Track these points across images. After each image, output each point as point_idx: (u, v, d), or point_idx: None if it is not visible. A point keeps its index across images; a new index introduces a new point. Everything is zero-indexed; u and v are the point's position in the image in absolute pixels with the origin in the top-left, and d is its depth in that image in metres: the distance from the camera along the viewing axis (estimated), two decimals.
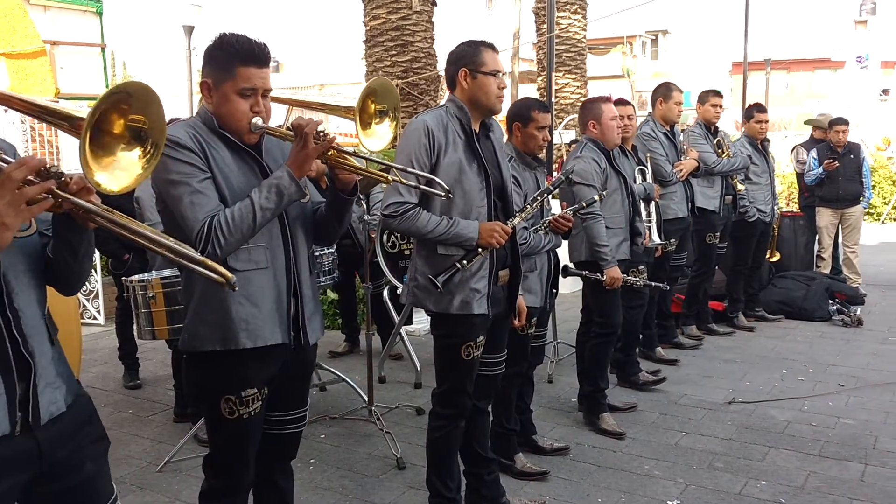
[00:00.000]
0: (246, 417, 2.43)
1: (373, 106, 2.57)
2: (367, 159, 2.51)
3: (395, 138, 2.69)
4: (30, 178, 1.54)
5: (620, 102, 5.16)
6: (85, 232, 1.80)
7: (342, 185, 2.48)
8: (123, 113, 1.71)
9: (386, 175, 2.54)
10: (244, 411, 2.42)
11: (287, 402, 2.62)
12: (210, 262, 1.70)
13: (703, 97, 6.40)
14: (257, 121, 2.37)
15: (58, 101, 1.87)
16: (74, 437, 1.86)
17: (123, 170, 1.72)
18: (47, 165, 1.58)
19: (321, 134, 2.32)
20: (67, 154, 9.10)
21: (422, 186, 2.75)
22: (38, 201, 1.56)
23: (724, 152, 6.26)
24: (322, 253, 4.51)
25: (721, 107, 6.38)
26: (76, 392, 1.90)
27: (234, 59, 2.34)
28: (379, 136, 2.61)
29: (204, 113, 2.44)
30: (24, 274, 1.77)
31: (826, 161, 7.86)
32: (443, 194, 2.69)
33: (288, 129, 2.43)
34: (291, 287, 2.46)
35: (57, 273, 1.85)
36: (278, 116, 2.70)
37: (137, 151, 1.75)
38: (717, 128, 6.40)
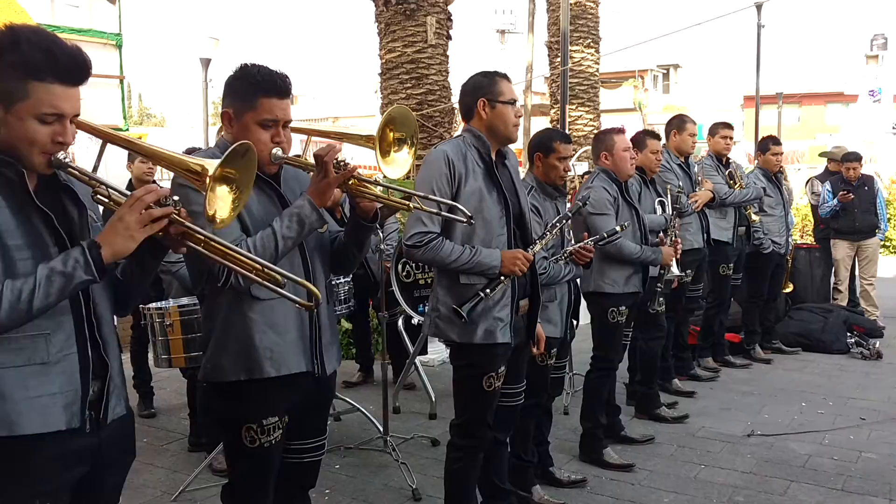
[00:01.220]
0: (267, 446, 2.43)
1: (391, 134, 2.58)
2: (388, 187, 2.52)
3: (413, 165, 2.69)
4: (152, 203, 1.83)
5: (653, 136, 5.18)
6: (159, 257, 2.02)
7: (363, 213, 2.49)
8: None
9: (407, 203, 2.55)
10: (265, 440, 2.42)
11: (306, 430, 2.61)
12: (299, 280, 2.02)
13: (714, 129, 6.41)
14: (277, 151, 2.39)
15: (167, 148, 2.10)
16: (119, 445, 2.02)
17: (221, 199, 1.97)
18: (168, 195, 1.85)
19: (342, 164, 2.34)
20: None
21: (444, 213, 2.75)
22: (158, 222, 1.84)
23: (736, 183, 6.25)
24: (338, 282, 4.52)
25: (731, 139, 6.39)
26: (127, 403, 2.07)
27: (256, 90, 2.36)
28: (398, 164, 2.61)
29: (223, 144, 2.45)
30: (103, 288, 1.97)
31: (841, 193, 7.83)
32: (464, 220, 2.68)
33: (306, 160, 2.45)
34: (312, 316, 2.47)
35: (120, 291, 2.05)
36: (296, 147, 2.72)
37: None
38: (728, 159, 6.41)
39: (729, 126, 6.47)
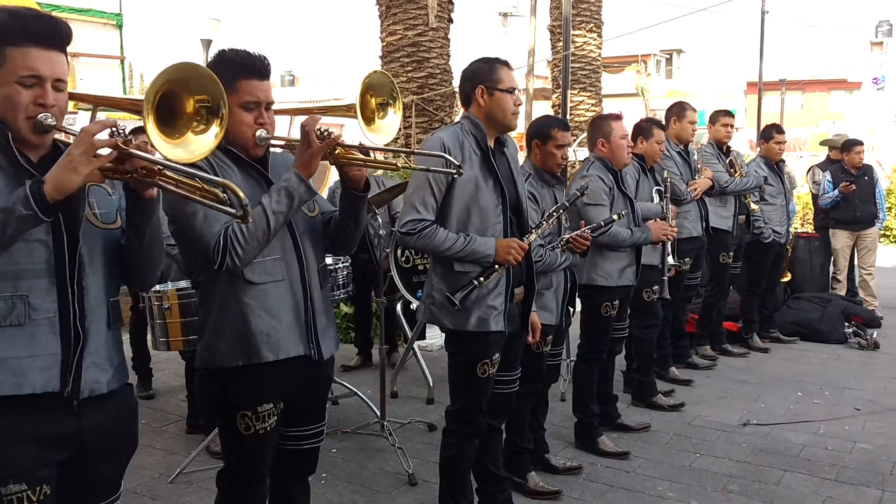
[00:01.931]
0: (262, 433, 2.42)
1: (373, 100, 2.54)
2: (373, 149, 2.46)
3: (400, 128, 2.65)
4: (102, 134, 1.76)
5: (659, 126, 5.13)
6: (151, 215, 1.97)
7: (353, 183, 2.46)
8: (189, 93, 1.93)
9: (394, 162, 2.50)
10: (260, 426, 2.41)
11: (305, 417, 2.60)
12: (233, 187, 1.87)
13: (714, 117, 6.39)
14: (262, 133, 2.37)
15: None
16: (112, 433, 2.00)
17: (187, 148, 1.92)
18: (117, 126, 1.79)
19: (325, 132, 2.30)
20: None
21: (432, 168, 2.75)
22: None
23: (736, 172, 6.24)
24: (336, 266, 4.52)
25: (732, 126, 6.37)
26: (123, 384, 2.05)
27: (235, 73, 2.34)
28: (384, 131, 2.58)
29: None
30: (100, 259, 1.97)
31: (843, 184, 7.81)
32: (453, 171, 2.68)
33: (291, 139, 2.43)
34: (306, 300, 2.45)
35: (129, 263, 2.04)
36: (281, 129, 2.69)
37: (214, 129, 1.97)
38: (729, 147, 6.39)
39: (730, 114, 6.45)
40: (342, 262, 4.60)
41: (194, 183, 1.88)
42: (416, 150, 2.74)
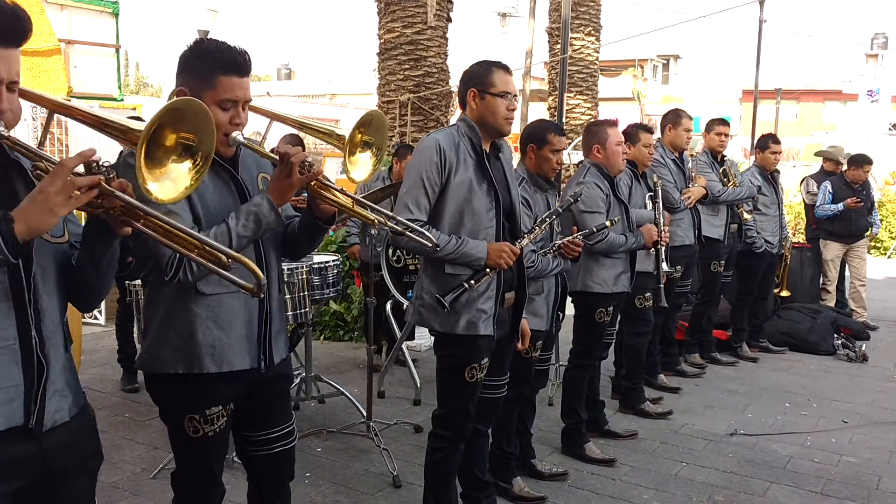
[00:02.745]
0: (211, 435, 2.34)
1: (359, 136, 2.49)
2: (353, 199, 2.38)
3: (374, 172, 2.59)
4: (79, 169, 1.60)
5: (646, 130, 5.11)
6: (111, 242, 1.81)
7: (320, 214, 2.39)
8: (176, 129, 1.75)
9: (368, 215, 2.41)
10: (209, 429, 2.33)
11: (268, 419, 2.50)
12: (247, 262, 1.76)
13: (710, 125, 6.36)
14: (237, 135, 2.26)
15: (113, 113, 1.87)
16: (74, 451, 1.85)
17: (173, 181, 1.76)
18: (99, 161, 1.62)
19: (307, 164, 2.22)
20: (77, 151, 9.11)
21: (407, 233, 2.64)
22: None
23: (730, 181, 6.22)
24: (327, 265, 4.48)
25: (727, 135, 6.33)
26: (81, 404, 1.88)
27: (214, 68, 2.22)
28: (362, 165, 2.52)
29: None
30: (52, 279, 1.79)
31: (852, 199, 7.80)
32: (429, 245, 2.69)
33: (274, 150, 2.33)
34: (264, 310, 2.38)
35: (77, 285, 1.86)
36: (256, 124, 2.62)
37: (188, 164, 1.79)
38: (724, 156, 6.38)
39: (725, 122, 6.43)
40: (332, 261, 4.57)
41: (190, 239, 1.77)
42: (402, 220, 2.68)
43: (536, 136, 3.76)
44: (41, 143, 1.78)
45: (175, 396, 2.34)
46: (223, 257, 1.76)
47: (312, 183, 2.28)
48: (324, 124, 2.62)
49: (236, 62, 2.23)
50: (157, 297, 2.32)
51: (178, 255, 2.10)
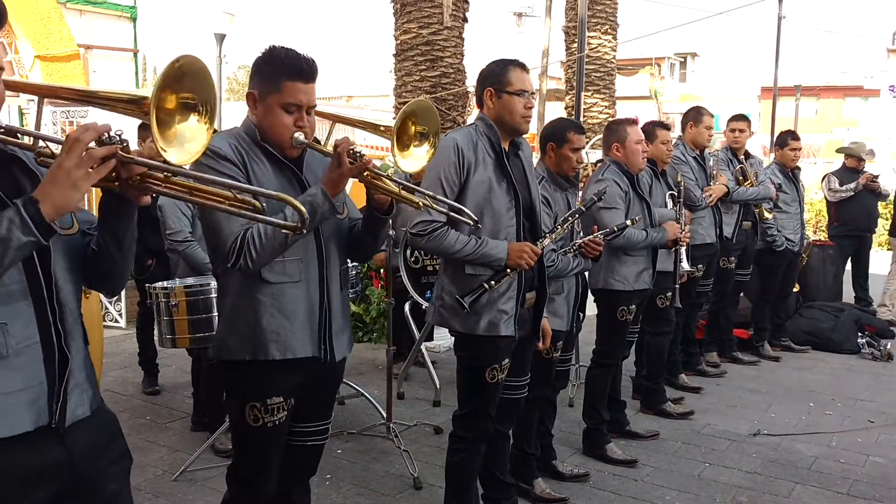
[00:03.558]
0: (270, 426, 2.43)
1: (413, 128, 2.55)
2: (401, 184, 2.48)
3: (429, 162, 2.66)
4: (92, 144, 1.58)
5: (663, 127, 5.07)
6: (131, 217, 1.81)
7: (377, 205, 2.48)
8: (175, 90, 1.74)
9: (414, 199, 2.52)
10: (269, 419, 2.42)
11: (311, 414, 2.61)
12: (283, 196, 1.81)
13: (728, 121, 6.31)
14: (299, 136, 2.37)
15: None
16: (101, 454, 1.84)
17: (189, 140, 1.75)
18: (110, 132, 1.60)
19: (357, 154, 2.30)
20: None
21: (452, 213, 2.74)
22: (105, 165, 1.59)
23: (746, 179, 6.14)
24: (347, 267, 4.47)
25: (742, 131, 6.21)
26: (99, 401, 1.88)
27: (281, 74, 2.35)
28: (416, 159, 2.58)
29: (247, 125, 2.45)
30: (65, 271, 1.78)
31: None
32: (470, 222, 2.74)
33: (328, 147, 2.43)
34: (323, 302, 2.46)
35: (100, 268, 1.85)
36: (321, 131, 2.69)
37: (194, 118, 1.76)
38: (748, 153, 6.31)
39: (741, 118, 6.27)
40: (350, 262, 4.55)
41: (218, 191, 1.75)
42: (443, 199, 2.76)
43: (556, 134, 3.73)
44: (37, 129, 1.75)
45: (239, 384, 2.44)
46: (256, 202, 1.76)
47: (365, 174, 2.34)
48: (380, 121, 2.69)
49: (301, 68, 2.36)
50: (226, 287, 2.45)
51: (237, 241, 2.24)
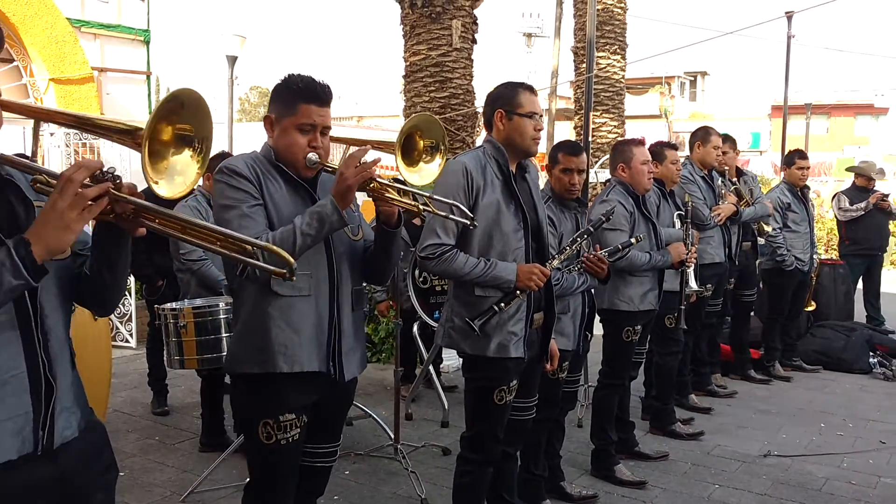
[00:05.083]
0: (284, 443, 2.46)
1: (421, 142, 2.60)
2: (405, 190, 2.52)
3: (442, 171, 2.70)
4: (86, 181, 1.59)
5: (671, 147, 5.07)
6: (125, 244, 1.82)
7: (385, 217, 2.53)
8: (172, 121, 1.77)
9: (417, 204, 2.55)
10: (282, 437, 2.45)
11: (320, 434, 2.63)
12: (270, 246, 1.74)
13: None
14: (312, 156, 2.46)
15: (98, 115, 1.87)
16: (89, 466, 1.86)
17: (180, 174, 1.78)
18: (103, 168, 1.62)
19: (362, 164, 2.36)
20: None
21: (451, 217, 2.77)
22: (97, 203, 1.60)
23: (742, 199, 6.11)
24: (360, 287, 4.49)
25: (724, 152, 5.96)
26: (89, 418, 1.90)
27: (297, 97, 2.45)
28: (424, 174, 2.63)
29: (265, 147, 2.55)
30: (55, 295, 1.78)
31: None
32: (467, 221, 2.75)
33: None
34: (332, 319, 2.49)
35: (93, 291, 1.87)
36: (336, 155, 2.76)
37: (188, 152, 1.80)
38: (740, 170, 6.31)
39: (724, 139, 6.02)
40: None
41: (210, 233, 1.75)
42: (439, 198, 2.78)
43: (550, 156, 3.78)
44: (33, 156, 1.79)
45: (252, 401, 2.48)
46: (248, 246, 1.76)
47: (371, 185, 2.41)
48: (391, 139, 2.74)
49: (316, 92, 2.47)
50: (240, 302, 2.51)
51: None
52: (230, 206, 2.40)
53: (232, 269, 2.42)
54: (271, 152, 2.50)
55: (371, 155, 2.47)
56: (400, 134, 2.58)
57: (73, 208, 1.55)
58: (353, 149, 2.88)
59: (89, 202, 1.57)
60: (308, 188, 2.51)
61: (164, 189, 1.72)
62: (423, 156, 2.62)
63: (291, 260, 1.74)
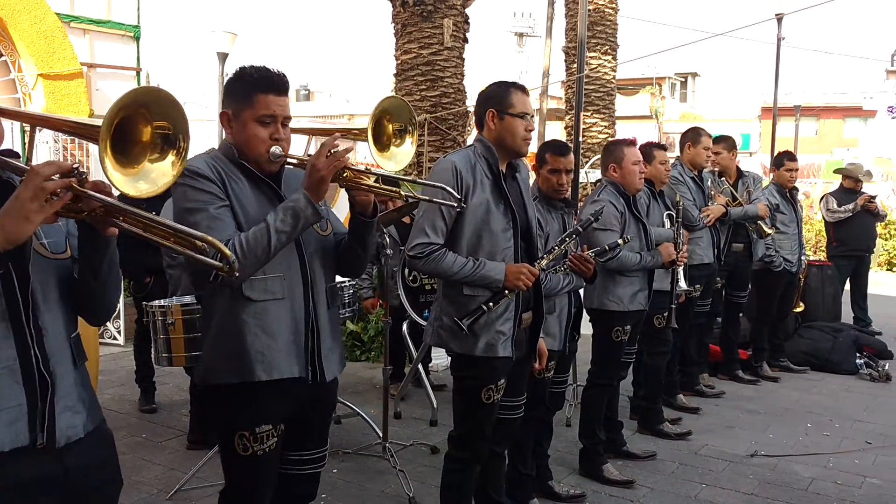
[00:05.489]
0: (260, 454, 2.38)
1: (390, 126, 2.54)
2: (379, 175, 2.45)
3: (413, 158, 2.66)
4: (54, 176, 1.60)
5: (660, 148, 5.09)
6: (106, 248, 1.81)
7: (360, 208, 2.45)
8: (147, 120, 1.75)
9: (397, 190, 2.49)
10: (258, 448, 2.37)
11: (306, 440, 2.56)
12: (215, 242, 1.71)
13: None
14: (276, 149, 2.36)
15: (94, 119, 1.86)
16: (95, 473, 1.87)
17: (153, 179, 1.76)
18: (73, 166, 1.62)
19: (332, 153, 2.29)
20: (100, 175, 9.24)
21: (435, 200, 2.71)
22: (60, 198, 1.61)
23: (735, 200, 6.13)
24: (343, 285, 4.49)
25: (716, 153, 6.03)
26: (99, 422, 1.90)
27: (253, 88, 2.35)
28: (397, 158, 2.58)
29: (224, 145, 2.44)
30: (55, 294, 1.80)
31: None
32: (454, 203, 2.70)
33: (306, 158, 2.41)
34: (309, 320, 2.42)
35: (81, 296, 1.87)
36: (298, 146, 2.71)
37: (171, 158, 1.78)
38: (739, 171, 6.33)
39: (716, 141, 6.08)
40: (349, 281, 4.57)
41: (165, 230, 1.74)
42: (424, 181, 2.71)
43: (538, 155, 3.78)
44: (28, 160, 1.78)
45: (227, 412, 2.38)
46: (197, 241, 1.73)
47: (344, 175, 2.33)
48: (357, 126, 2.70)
49: (272, 81, 2.36)
50: (210, 310, 2.40)
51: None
52: (196, 209, 2.27)
53: (203, 276, 2.26)
54: (232, 150, 2.39)
55: (343, 144, 2.41)
56: (370, 119, 2.51)
57: (33, 200, 1.56)
58: (316, 139, 2.83)
59: (52, 195, 1.58)
60: (272, 185, 2.41)
61: (127, 187, 1.70)
62: (394, 139, 2.56)
63: (229, 254, 1.72)
